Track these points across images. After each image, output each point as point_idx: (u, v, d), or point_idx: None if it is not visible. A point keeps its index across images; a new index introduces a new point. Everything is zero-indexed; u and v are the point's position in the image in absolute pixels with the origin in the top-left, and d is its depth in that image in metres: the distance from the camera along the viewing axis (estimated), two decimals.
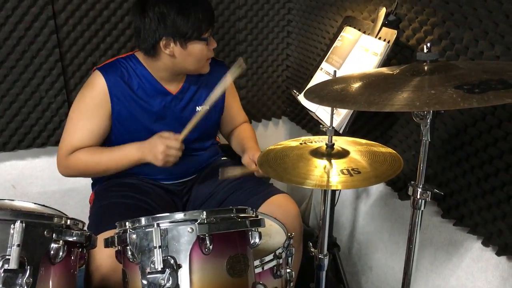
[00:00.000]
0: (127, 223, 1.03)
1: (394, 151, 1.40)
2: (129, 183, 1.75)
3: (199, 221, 0.98)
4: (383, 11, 1.73)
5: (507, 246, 1.44)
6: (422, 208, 1.16)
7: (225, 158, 1.96)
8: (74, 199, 2.31)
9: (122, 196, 1.68)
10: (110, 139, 1.73)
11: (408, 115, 1.74)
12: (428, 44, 1.02)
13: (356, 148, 1.44)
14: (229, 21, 2.32)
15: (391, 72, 1.10)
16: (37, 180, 2.24)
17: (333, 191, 2.15)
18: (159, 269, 0.93)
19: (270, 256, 1.35)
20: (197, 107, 1.79)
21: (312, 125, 2.42)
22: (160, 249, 0.94)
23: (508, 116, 1.38)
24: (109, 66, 1.70)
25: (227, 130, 2.01)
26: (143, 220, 1.01)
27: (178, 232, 0.97)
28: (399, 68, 1.13)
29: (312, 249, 1.56)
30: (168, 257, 0.95)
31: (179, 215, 1.00)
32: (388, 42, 1.64)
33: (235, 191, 1.73)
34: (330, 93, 1.03)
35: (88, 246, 1.07)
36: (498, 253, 1.47)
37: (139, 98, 1.70)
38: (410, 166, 1.75)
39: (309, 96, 1.06)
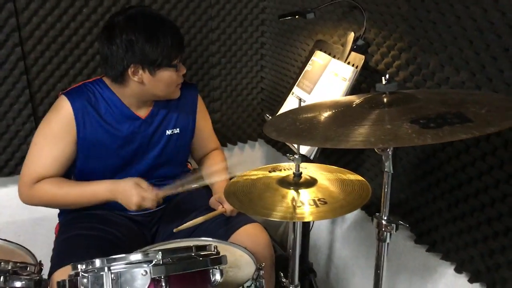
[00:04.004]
0: (79, 266, 0.98)
1: (363, 179, 1.38)
2: (96, 214, 1.70)
3: (154, 262, 0.94)
4: (351, 36, 1.73)
5: (480, 273, 1.43)
6: (388, 240, 1.14)
7: (196, 185, 1.92)
8: (45, 228, 2.24)
9: (87, 228, 1.64)
10: (75, 165, 1.69)
11: None
12: (387, 76, 1.00)
13: (325, 176, 1.41)
14: (202, 45, 2.31)
15: (353, 102, 1.08)
16: (5, 209, 2.18)
17: None
18: None
19: None
20: (167, 131, 1.77)
21: (288, 148, 2.39)
22: None
23: (475, 142, 1.37)
24: (75, 91, 1.66)
25: (198, 155, 1.98)
26: (97, 262, 0.97)
27: (131, 275, 0.93)
28: (363, 97, 1.12)
29: (283, 279, 1.52)
30: None
31: (135, 256, 0.96)
32: (357, 67, 1.63)
33: (205, 221, 1.69)
34: (288, 127, 1.01)
35: None
36: (471, 281, 1.45)
37: (106, 123, 1.66)
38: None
39: (268, 129, 1.04)
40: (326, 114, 1.04)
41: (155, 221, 1.81)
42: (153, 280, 0.93)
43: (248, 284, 1.35)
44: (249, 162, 2.62)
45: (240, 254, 1.51)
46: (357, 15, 1.78)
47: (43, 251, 1.63)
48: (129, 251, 1.45)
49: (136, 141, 1.71)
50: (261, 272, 1.41)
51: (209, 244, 1.08)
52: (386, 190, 1.07)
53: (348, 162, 1.90)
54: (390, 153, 1.01)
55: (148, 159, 1.75)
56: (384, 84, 0.99)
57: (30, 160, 1.64)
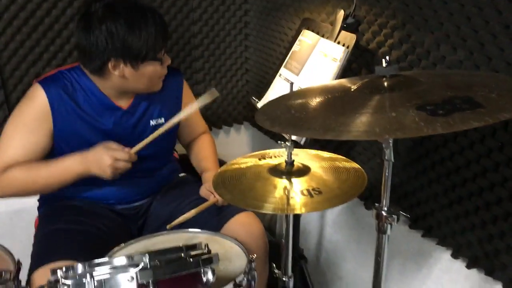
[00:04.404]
0: (58, 271, 0.90)
1: (358, 166, 1.32)
2: (77, 206, 1.61)
3: (140, 266, 0.87)
4: (341, 14, 1.65)
5: (477, 259, 1.39)
6: (388, 232, 1.08)
7: (183, 174, 1.84)
8: (24, 220, 2.15)
9: (69, 221, 1.54)
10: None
11: None
12: (387, 57, 0.93)
13: (318, 164, 1.35)
14: (183, 25, 2.20)
15: (351, 86, 1.01)
16: None
17: None
18: None
19: (230, 285, 1.25)
20: (151, 121, 1.66)
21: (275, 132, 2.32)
22: None
23: None
24: (50, 79, 1.55)
25: (185, 141, 1.89)
26: (79, 268, 0.89)
27: (115, 282, 0.85)
28: (359, 81, 1.05)
29: (276, 271, 1.47)
30: None
31: (120, 260, 0.89)
32: (348, 47, 1.56)
33: None
34: (283, 115, 0.93)
35: None
36: (468, 266, 1.41)
37: (85, 114, 1.56)
38: (376, 174, 1.68)
39: (261, 118, 0.96)
40: (321, 100, 0.96)
41: (141, 213, 1.72)
42: (140, 286, 0.86)
43: (240, 278, 1.28)
44: (235, 146, 2.54)
45: (230, 246, 1.44)
46: None
47: (22, 244, 1.53)
48: (114, 245, 1.38)
49: (118, 133, 1.59)
50: (253, 265, 1.35)
51: (199, 243, 1.01)
52: (386, 179, 1.01)
53: (338, 145, 1.84)
54: (391, 140, 0.94)
55: None
56: (385, 67, 0.92)
57: None
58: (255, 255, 1.39)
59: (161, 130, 1.52)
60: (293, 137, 1.62)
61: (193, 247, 0.98)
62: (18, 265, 1.23)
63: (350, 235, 2.01)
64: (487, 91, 0.81)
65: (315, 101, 0.96)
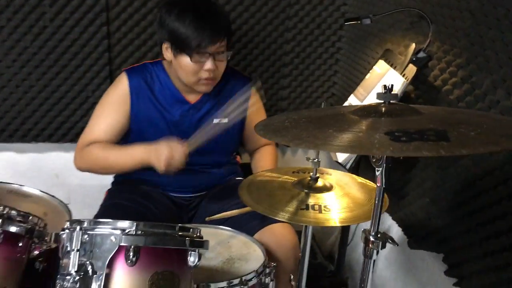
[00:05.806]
0: (67, 223, 1.05)
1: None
2: (139, 188, 1.80)
3: (126, 231, 0.99)
4: (412, 47, 1.65)
5: None
6: (374, 257, 1.08)
7: (239, 178, 1.94)
8: None
9: (128, 199, 1.74)
10: (127, 140, 1.80)
11: (425, 160, 1.62)
12: (389, 85, 0.95)
13: (344, 185, 1.37)
14: (276, 43, 2.33)
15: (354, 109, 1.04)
16: (78, 172, 2.36)
17: (345, 228, 2.07)
18: (72, 272, 0.95)
19: (236, 281, 1.31)
20: (214, 119, 1.78)
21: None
22: (78, 252, 0.97)
23: None
24: (135, 69, 1.80)
25: (249, 148, 2.00)
26: (85, 223, 1.03)
27: (101, 239, 0.98)
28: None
29: (292, 282, 1.50)
30: (87, 262, 0.97)
31: (118, 223, 1.02)
32: (407, 79, 1.55)
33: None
34: (276, 124, 0.99)
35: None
36: None
37: (158, 103, 1.76)
38: (424, 213, 1.63)
39: (259, 124, 1.03)
40: (317, 115, 1.01)
41: (194, 205, 1.86)
42: (122, 248, 0.98)
43: (248, 277, 1.34)
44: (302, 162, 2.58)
45: (254, 249, 1.51)
46: (424, 26, 1.68)
47: None
48: None
49: (183, 125, 1.78)
50: (268, 270, 1.40)
51: (196, 228, 1.10)
52: (376, 203, 1.01)
53: (394, 181, 1.79)
54: (384, 166, 0.95)
55: None
56: (384, 93, 0.94)
57: (87, 127, 1.80)
58: (274, 264, 1.44)
59: (213, 127, 1.68)
60: (340, 160, 1.66)
61: (187, 229, 1.08)
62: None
63: (398, 274, 1.94)
64: (470, 129, 0.80)
65: (312, 116, 1.01)
